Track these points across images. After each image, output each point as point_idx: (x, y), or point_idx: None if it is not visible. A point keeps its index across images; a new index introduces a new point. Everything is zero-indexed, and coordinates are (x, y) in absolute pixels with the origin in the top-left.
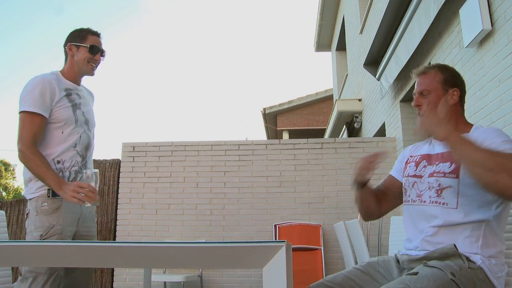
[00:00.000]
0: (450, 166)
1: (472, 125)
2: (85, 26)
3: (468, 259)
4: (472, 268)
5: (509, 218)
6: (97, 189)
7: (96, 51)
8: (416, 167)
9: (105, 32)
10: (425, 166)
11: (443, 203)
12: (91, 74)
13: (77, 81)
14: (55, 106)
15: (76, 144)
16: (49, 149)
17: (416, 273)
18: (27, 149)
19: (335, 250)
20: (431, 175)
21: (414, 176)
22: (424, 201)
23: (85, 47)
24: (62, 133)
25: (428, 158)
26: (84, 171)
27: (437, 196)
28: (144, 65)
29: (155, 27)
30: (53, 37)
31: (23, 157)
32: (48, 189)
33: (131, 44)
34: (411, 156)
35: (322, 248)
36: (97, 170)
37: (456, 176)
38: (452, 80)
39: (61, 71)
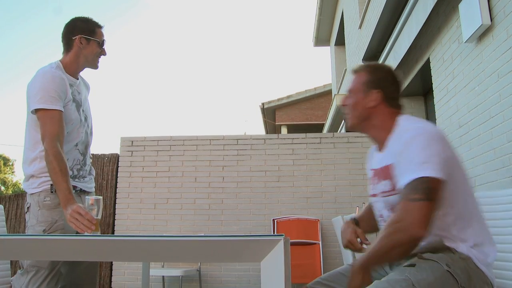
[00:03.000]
0: (388, 184)
1: (397, 115)
2: (86, 16)
3: (456, 250)
4: (462, 258)
5: (506, 213)
6: (100, 216)
7: (103, 45)
8: (373, 185)
9: (104, 26)
10: (375, 184)
11: None
12: (97, 67)
13: (76, 75)
14: (65, 105)
15: (77, 143)
16: None
17: (413, 265)
18: (50, 148)
19: (333, 244)
20: (381, 194)
21: (373, 195)
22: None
23: (96, 41)
24: (67, 133)
25: (375, 174)
26: (87, 198)
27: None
28: (143, 60)
29: (154, 21)
30: (51, 32)
31: (46, 157)
32: (51, 184)
33: (130, 39)
34: (369, 169)
35: (320, 242)
36: (100, 197)
37: (397, 191)
38: (376, 81)
39: (61, 62)
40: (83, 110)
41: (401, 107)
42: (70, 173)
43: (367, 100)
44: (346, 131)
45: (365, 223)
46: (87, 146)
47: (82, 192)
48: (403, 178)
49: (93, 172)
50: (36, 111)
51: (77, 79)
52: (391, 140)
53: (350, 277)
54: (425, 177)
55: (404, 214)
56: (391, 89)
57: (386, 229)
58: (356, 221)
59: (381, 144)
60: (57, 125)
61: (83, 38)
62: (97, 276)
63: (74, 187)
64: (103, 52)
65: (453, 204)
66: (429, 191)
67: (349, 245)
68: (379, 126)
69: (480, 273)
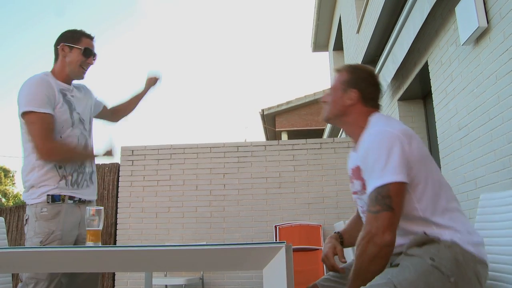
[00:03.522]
0: (359, 183)
1: (371, 114)
2: (78, 28)
3: (439, 239)
4: (447, 246)
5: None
6: (101, 227)
7: (89, 54)
8: (351, 183)
9: (103, 35)
10: (352, 183)
11: None
12: (82, 77)
13: (68, 82)
14: (55, 108)
15: (74, 147)
16: None
17: (397, 265)
18: (50, 143)
19: None
20: (359, 192)
21: (354, 193)
22: None
23: (78, 49)
24: (61, 137)
25: (351, 173)
26: (88, 208)
27: None
28: (141, 68)
29: (151, 30)
30: (52, 41)
31: (48, 153)
32: (48, 195)
33: (129, 47)
34: (349, 168)
35: (322, 248)
36: (101, 208)
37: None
38: (354, 81)
39: (52, 71)
40: (78, 113)
41: (378, 107)
42: (69, 178)
43: (345, 98)
44: (346, 136)
45: (349, 235)
46: (85, 150)
47: (82, 202)
48: (368, 188)
49: (94, 179)
50: (24, 114)
51: (70, 85)
52: (361, 140)
53: None
54: (381, 186)
55: (369, 227)
56: (369, 90)
57: (358, 247)
58: (340, 235)
59: (355, 142)
60: (49, 125)
61: (65, 46)
62: (98, 286)
63: (72, 197)
64: (88, 61)
65: (426, 198)
66: (387, 200)
67: (325, 260)
68: (352, 124)
69: (468, 255)
